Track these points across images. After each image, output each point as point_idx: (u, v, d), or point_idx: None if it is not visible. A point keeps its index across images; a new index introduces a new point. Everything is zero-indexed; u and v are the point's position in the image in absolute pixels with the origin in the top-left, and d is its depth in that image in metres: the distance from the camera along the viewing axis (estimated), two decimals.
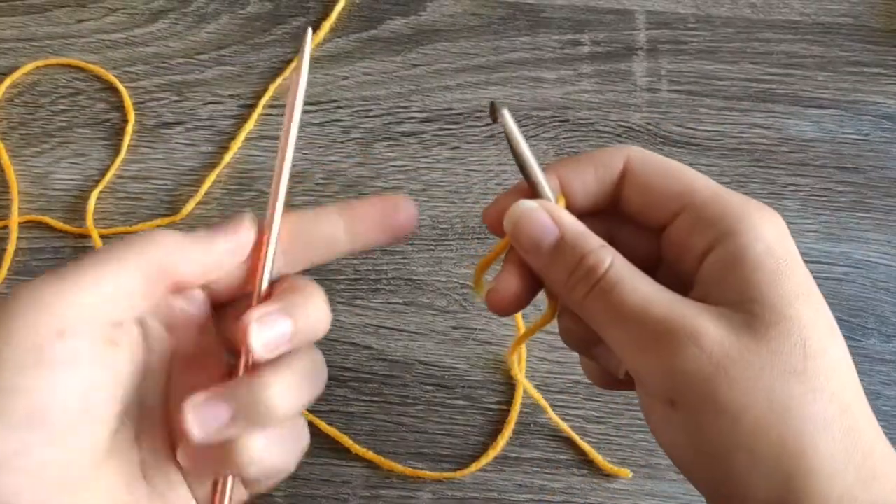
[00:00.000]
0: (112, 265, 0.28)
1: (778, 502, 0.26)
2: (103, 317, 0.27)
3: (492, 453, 0.44)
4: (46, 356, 0.26)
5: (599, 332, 0.30)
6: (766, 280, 0.28)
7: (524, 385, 0.45)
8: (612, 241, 0.32)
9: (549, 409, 0.45)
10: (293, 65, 0.33)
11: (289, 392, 0.28)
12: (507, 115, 0.30)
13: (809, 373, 0.27)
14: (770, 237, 0.28)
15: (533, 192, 0.31)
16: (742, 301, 0.28)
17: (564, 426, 0.45)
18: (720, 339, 0.27)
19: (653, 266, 0.32)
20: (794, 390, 0.27)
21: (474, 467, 0.44)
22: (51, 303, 0.26)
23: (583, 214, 0.32)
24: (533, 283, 0.32)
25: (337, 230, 0.32)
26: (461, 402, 0.46)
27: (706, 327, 0.27)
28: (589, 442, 0.45)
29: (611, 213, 0.33)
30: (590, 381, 0.35)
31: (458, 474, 0.44)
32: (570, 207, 0.32)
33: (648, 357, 0.28)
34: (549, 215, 0.30)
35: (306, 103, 0.52)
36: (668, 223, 0.31)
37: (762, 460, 0.26)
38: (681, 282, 0.30)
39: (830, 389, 0.27)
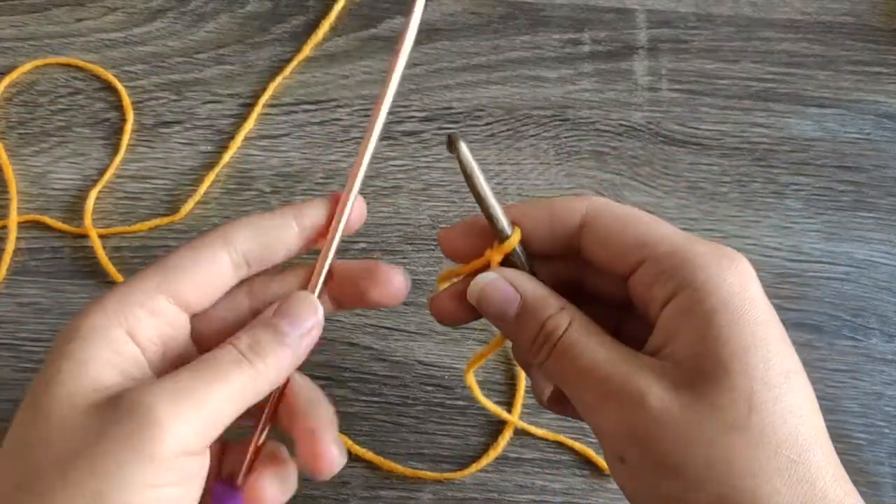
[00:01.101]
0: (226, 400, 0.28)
1: None
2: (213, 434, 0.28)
3: (492, 454, 0.44)
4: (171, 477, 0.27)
5: (563, 390, 0.31)
6: (716, 334, 0.28)
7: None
8: (581, 285, 0.34)
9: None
10: (401, 39, 0.34)
11: None
12: (464, 147, 0.30)
13: (753, 427, 0.27)
14: (727, 287, 0.29)
15: (490, 225, 0.32)
16: (691, 356, 0.28)
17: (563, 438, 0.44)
18: (662, 397, 0.28)
19: (624, 308, 0.33)
20: (735, 445, 0.27)
21: (475, 468, 0.44)
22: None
23: (542, 256, 0.33)
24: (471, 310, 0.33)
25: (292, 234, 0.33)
26: (461, 403, 0.45)
27: (649, 386, 0.28)
28: (589, 444, 0.45)
29: (577, 259, 0.33)
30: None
31: (458, 475, 0.44)
32: (526, 243, 0.33)
33: (599, 415, 0.29)
34: (509, 284, 0.31)
35: (306, 102, 0.52)
36: (630, 273, 0.31)
37: None
38: (648, 325, 0.31)
39: (777, 440, 0.27)
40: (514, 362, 0.46)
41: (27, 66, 0.52)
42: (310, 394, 0.33)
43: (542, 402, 0.36)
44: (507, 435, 0.44)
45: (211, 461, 0.29)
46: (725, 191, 0.50)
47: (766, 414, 0.27)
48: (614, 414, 0.28)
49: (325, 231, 0.33)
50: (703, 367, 0.28)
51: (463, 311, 0.33)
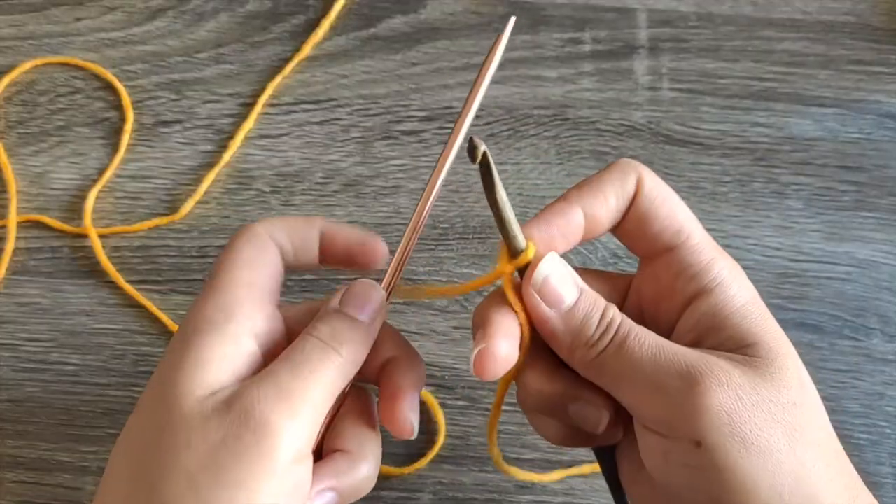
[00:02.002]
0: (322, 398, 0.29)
1: None
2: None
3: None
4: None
5: (611, 389, 0.31)
6: (758, 326, 0.30)
7: None
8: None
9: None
10: (492, 55, 0.32)
11: None
12: (490, 157, 0.29)
13: (807, 404, 0.29)
14: (746, 288, 0.31)
15: (504, 237, 0.31)
16: (741, 346, 0.30)
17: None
18: (737, 379, 0.29)
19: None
20: (799, 421, 0.29)
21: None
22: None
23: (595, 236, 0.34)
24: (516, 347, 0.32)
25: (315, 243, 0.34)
26: (462, 403, 0.45)
27: (723, 369, 0.29)
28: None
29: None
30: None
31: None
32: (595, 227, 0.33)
33: (672, 401, 0.29)
34: (571, 279, 0.31)
35: (305, 102, 0.52)
36: (657, 256, 0.32)
37: (784, 492, 0.28)
38: (648, 317, 0.33)
39: (820, 417, 0.30)
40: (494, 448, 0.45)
41: (26, 66, 0.52)
42: (405, 351, 0.34)
43: (566, 439, 0.35)
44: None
45: None
46: (726, 190, 0.50)
47: (810, 392, 0.30)
48: (698, 394, 0.28)
49: (338, 255, 0.35)
50: (758, 353, 0.29)
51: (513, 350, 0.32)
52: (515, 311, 0.31)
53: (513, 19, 0.33)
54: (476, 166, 0.29)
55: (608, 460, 0.35)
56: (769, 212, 0.50)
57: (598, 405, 0.32)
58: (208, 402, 0.28)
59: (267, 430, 0.27)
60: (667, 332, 0.31)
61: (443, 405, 0.45)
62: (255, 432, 0.27)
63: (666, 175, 0.50)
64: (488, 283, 0.33)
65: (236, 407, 0.27)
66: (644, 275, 0.33)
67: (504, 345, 0.30)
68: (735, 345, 0.30)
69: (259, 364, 0.30)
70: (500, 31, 0.32)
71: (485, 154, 0.28)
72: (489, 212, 0.33)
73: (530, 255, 0.31)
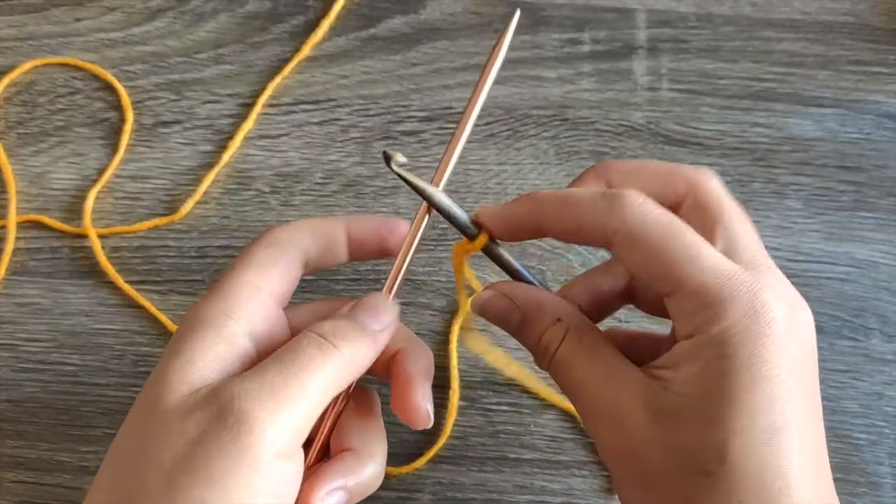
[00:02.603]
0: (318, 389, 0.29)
1: None
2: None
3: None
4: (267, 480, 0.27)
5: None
6: (711, 379, 0.27)
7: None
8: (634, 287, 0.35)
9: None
10: (498, 44, 0.32)
11: None
12: (399, 166, 0.31)
13: (723, 476, 0.27)
14: (736, 340, 0.27)
15: (457, 228, 0.33)
16: (682, 393, 0.28)
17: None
18: (642, 425, 0.28)
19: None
20: (700, 486, 0.27)
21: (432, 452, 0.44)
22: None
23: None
24: None
25: (343, 241, 0.35)
26: (462, 403, 0.45)
27: (630, 411, 0.28)
28: (589, 443, 0.44)
29: None
30: None
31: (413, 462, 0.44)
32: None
33: (592, 430, 0.30)
34: (506, 298, 0.32)
35: (305, 102, 0.52)
36: (664, 296, 0.29)
37: None
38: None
39: (744, 491, 0.27)
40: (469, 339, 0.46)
41: (26, 66, 0.52)
42: (413, 342, 0.34)
43: None
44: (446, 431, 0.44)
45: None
46: None
47: (736, 468, 0.27)
48: (602, 430, 0.29)
49: (372, 246, 0.35)
50: (689, 407, 0.27)
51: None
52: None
53: (518, 11, 0.33)
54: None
55: None
56: (768, 212, 0.50)
57: None
58: (190, 398, 0.27)
59: (246, 425, 0.26)
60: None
61: (442, 405, 0.45)
62: (232, 427, 0.26)
63: None
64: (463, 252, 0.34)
65: (215, 402, 0.27)
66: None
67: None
68: (679, 389, 0.28)
69: (252, 362, 0.30)
70: (507, 22, 0.33)
71: (393, 162, 0.30)
72: None
73: (482, 242, 0.33)
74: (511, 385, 0.46)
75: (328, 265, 0.35)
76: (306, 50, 0.52)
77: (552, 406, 0.45)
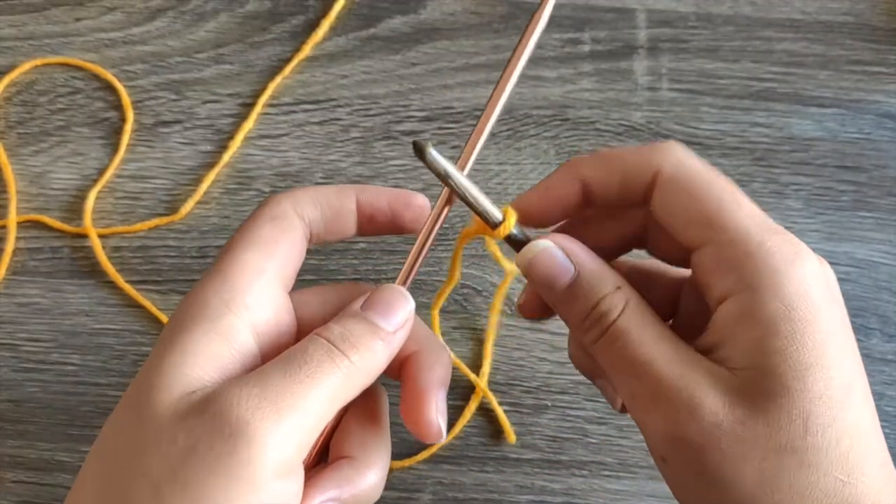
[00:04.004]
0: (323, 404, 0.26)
1: None
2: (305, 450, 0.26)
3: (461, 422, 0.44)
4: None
5: (610, 376, 0.29)
6: (777, 347, 0.26)
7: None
8: (647, 234, 0.32)
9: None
10: (526, 35, 0.30)
11: None
12: (435, 154, 0.28)
13: (809, 448, 0.26)
14: (791, 292, 0.27)
15: (479, 217, 0.30)
16: (750, 367, 0.27)
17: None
18: (717, 410, 0.26)
19: (687, 263, 0.31)
20: (787, 466, 0.26)
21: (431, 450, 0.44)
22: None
23: (611, 210, 0.31)
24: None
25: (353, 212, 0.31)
26: (461, 403, 0.45)
27: (703, 397, 0.26)
28: (590, 443, 0.44)
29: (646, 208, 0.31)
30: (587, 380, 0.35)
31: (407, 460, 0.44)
32: (596, 196, 0.31)
33: (646, 413, 0.28)
34: (564, 254, 0.29)
35: (305, 102, 0.52)
36: (692, 249, 0.29)
37: None
38: (702, 307, 0.30)
39: (828, 461, 0.26)
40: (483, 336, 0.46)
41: (26, 66, 0.52)
42: (429, 345, 0.31)
43: (617, 409, 0.34)
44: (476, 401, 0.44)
45: None
46: None
47: (821, 436, 0.26)
48: (664, 416, 0.27)
49: (383, 220, 0.32)
50: (762, 382, 0.26)
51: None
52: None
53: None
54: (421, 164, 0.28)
55: None
56: (769, 212, 0.49)
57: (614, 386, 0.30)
58: (183, 401, 0.25)
59: (244, 437, 0.24)
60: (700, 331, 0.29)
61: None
62: (229, 439, 0.24)
63: None
64: (469, 237, 0.32)
65: (211, 408, 0.24)
66: (692, 266, 0.30)
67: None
68: (744, 363, 0.27)
69: (256, 364, 0.27)
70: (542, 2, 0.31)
71: (428, 153, 0.27)
72: None
73: (511, 225, 0.30)
74: (512, 385, 0.46)
75: (334, 239, 0.31)
76: (306, 50, 0.52)
77: (549, 408, 0.45)
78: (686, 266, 0.31)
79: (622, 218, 0.32)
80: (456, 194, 0.29)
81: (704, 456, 0.26)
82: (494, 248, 0.34)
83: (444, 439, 0.31)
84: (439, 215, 0.30)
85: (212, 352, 0.26)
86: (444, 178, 0.29)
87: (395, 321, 0.28)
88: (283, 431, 0.24)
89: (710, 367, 0.27)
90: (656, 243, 0.32)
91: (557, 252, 0.29)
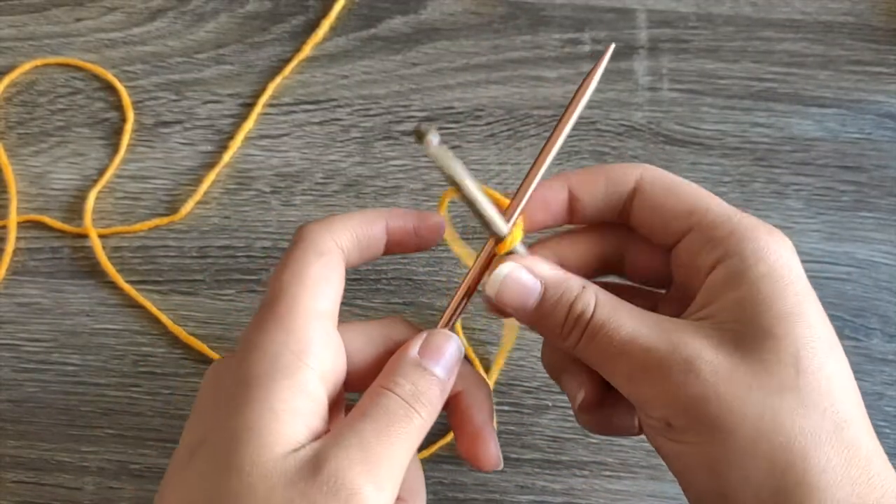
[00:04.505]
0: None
1: None
2: None
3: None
4: None
5: (599, 371, 0.31)
6: (761, 300, 0.28)
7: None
8: (622, 257, 0.34)
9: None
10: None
11: None
12: (436, 143, 0.27)
13: (802, 389, 0.27)
14: (773, 259, 0.29)
15: (484, 226, 0.31)
16: (736, 320, 0.29)
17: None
18: (711, 360, 0.28)
19: (664, 282, 0.34)
20: (784, 405, 0.27)
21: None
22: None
23: (593, 223, 0.33)
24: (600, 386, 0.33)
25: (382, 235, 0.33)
26: None
27: (697, 351, 0.28)
28: (590, 443, 0.44)
29: (623, 229, 0.34)
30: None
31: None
32: (580, 209, 0.33)
33: (642, 385, 0.29)
34: (528, 272, 0.31)
35: (306, 102, 0.52)
36: (676, 242, 0.32)
37: (754, 475, 0.27)
38: (688, 300, 0.31)
39: (824, 405, 0.27)
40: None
41: (26, 66, 0.52)
42: (474, 381, 0.33)
43: (579, 418, 0.35)
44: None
45: None
46: (726, 191, 0.50)
47: (812, 378, 0.27)
48: (661, 382, 0.28)
49: (408, 242, 0.34)
50: (748, 331, 0.28)
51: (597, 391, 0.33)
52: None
53: (613, 45, 0.34)
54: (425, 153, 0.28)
55: None
56: (769, 212, 0.50)
57: (579, 381, 0.33)
58: (289, 461, 0.26)
59: (356, 499, 0.25)
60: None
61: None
62: (345, 502, 0.25)
63: None
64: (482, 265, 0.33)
65: (325, 472, 0.26)
66: (674, 263, 0.32)
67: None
68: (731, 317, 0.29)
69: (325, 411, 0.29)
70: (601, 57, 0.34)
71: (429, 139, 0.26)
72: None
73: (517, 239, 0.32)
74: (512, 385, 0.46)
75: (364, 263, 0.33)
76: (307, 50, 0.52)
77: (550, 408, 0.45)
78: (660, 286, 0.33)
79: (602, 236, 0.34)
80: (464, 199, 0.30)
81: (707, 407, 0.27)
82: (459, 248, 0.36)
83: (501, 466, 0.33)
84: (483, 268, 0.33)
85: (296, 407, 0.27)
86: (452, 179, 0.29)
87: (449, 368, 0.30)
88: (385, 490, 0.27)
89: (696, 327, 0.29)
90: (634, 261, 0.34)
91: (521, 272, 0.31)
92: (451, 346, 0.31)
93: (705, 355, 0.28)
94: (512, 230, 0.32)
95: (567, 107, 0.33)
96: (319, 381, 0.28)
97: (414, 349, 0.30)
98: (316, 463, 0.26)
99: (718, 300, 0.29)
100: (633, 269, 0.34)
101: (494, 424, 0.34)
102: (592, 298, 0.30)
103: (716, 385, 0.27)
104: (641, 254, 0.34)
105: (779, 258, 0.29)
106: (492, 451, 0.32)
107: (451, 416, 0.33)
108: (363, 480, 0.26)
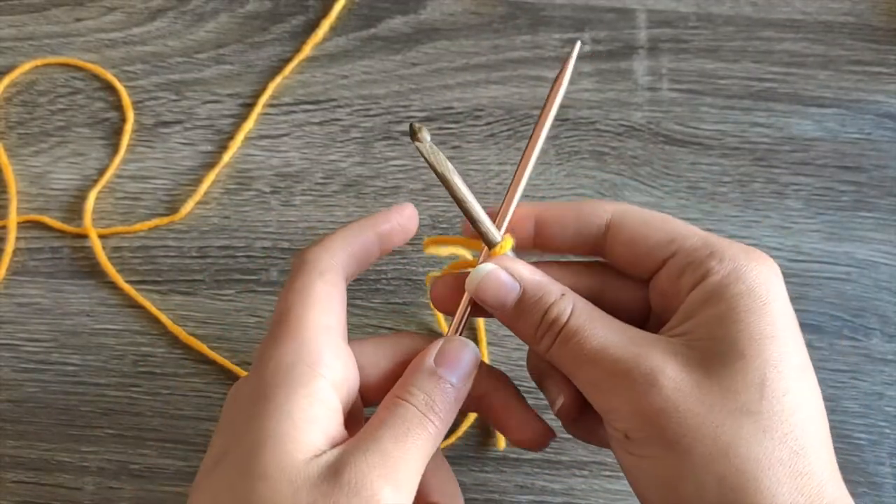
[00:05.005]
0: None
1: None
2: None
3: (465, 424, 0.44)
4: None
5: (570, 377, 0.32)
6: (736, 318, 0.29)
7: None
8: (601, 293, 0.34)
9: None
10: (561, 77, 0.36)
11: None
12: (428, 141, 0.29)
13: (764, 413, 0.27)
14: (752, 277, 0.30)
15: (476, 230, 0.32)
16: (708, 337, 0.29)
17: None
18: (674, 377, 0.28)
19: (642, 317, 0.34)
20: (743, 429, 0.27)
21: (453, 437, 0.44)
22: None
23: (563, 253, 0.35)
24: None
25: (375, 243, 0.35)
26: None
27: (661, 366, 0.28)
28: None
29: (600, 267, 0.34)
30: None
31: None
32: (549, 242, 0.34)
33: (608, 395, 0.30)
34: (508, 273, 0.32)
35: (306, 102, 0.52)
36: (655, 271, 0.32)
37: (706, 494, 0.27)
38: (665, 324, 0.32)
39: (783, 430, 0.27)
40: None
41: (26, 66, 0.52)
42: (498, 384, 0.35)
43: (563, 424, 0.36)
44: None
45: None
46: (726, 191, 0.50)
47: (776, 402, 0.28)
48: (625, 392, 0.29)
49: (398, 240, 0.35)
50: (719, 349, 0.28)
51: (460, 300, 0.34)
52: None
53: (579, 43, 0.35)
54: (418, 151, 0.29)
55: None
56: (769, 212, 0.50)
57: (559, 387, 0.33)
58: (311, 466, 0.27)
59: (375, 501, 0.27)
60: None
61: None
62: (366, 502, 0.26)
63: (665, 175, 0.50)
64: (467, 267, 0.34)
65: (346, 476, 0.27)
66: (653, 293, 0.33)
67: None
68: (704, 334, 0.29)
69: (341, 419, 0.30)
70: (569, 53, 0.35)
71: (421, 137, 0.28)
72: None
73: (505, 248, 0.33)
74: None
75: (362, 272, 0.35)
76: (307, 50, 0.53)
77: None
78: (638, 323, 0.33)
79: (579, 273, 0.34)
80: (456, 201, 0.31)
81: (665, 421, 0.28)
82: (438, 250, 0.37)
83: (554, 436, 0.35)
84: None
85: (314, 415, 0.28)
86: (443, 178, 0.30)
87: (464, 375, 0.31)
88: (402, 492, 0.28)
89: (666, 342, 0.29)
90: (613, 298, 0.34)
91: (501, 273, 0.32)
92: (466, 354, 0.32)
93: (669, 370, 0.28)
94: (503, 236, 0.33)
95: (542, 108, 0.35)
96: (333, 389, 0.30)
97: (430, 358, 0.31)
98: (337, 468, 0.27)
99: (694, 317, 0.30)
100: (612, 305, 0.34)
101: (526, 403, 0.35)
102: (569, 306, 0.31)
103: (676, 401, 0.28)
104: (620, 290, 0.34)
105: (757, 276, 0.30)
106: (543, 429, 0.34)
107: (489, 418, 0.35)
108: (382, 483, 0.27)
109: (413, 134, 0.29)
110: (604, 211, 0.33)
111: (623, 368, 0.29)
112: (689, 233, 0.32)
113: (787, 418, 0.27)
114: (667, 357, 0.29)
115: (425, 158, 0.30)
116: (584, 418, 0.34)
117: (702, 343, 0.29)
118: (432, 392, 0.30)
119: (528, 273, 0.32)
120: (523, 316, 0.32)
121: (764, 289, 0.29)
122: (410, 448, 0.28)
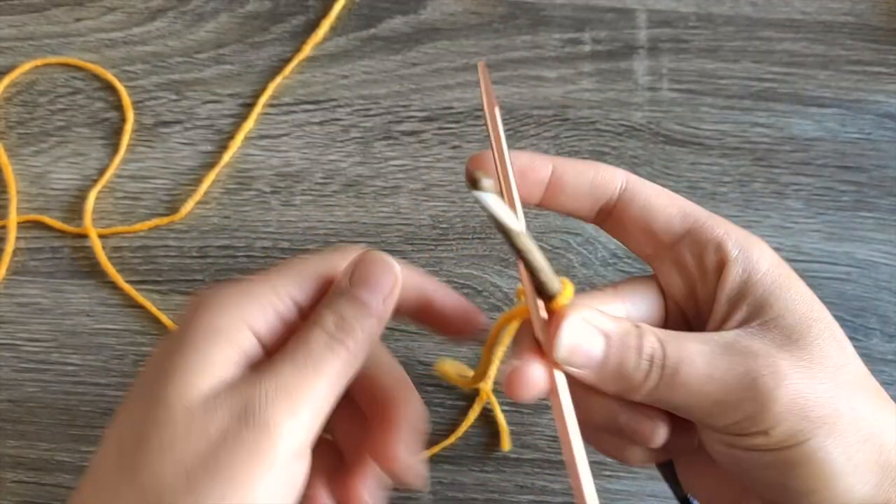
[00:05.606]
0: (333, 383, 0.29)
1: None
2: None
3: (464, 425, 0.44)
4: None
5: (677, 409, 0.29)
6: (784, 293, 0.30)
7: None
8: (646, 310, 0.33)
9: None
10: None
11: None
12: (491, 195, 0.24)
13: (850, 359, 0.30)
14: (768, 253, 0.31)
15: (534, 281, 0.28)
16: (773, 318, 0.29)
17: None
18: (788, 366, 0.28)
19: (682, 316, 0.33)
20: (849, 379, 0.29)
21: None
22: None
23: (565, 212, 0.33)
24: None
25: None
26: (462, 403, 0.45)
27: (774, 360, 0.28)
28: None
29: (624, 286, 0.33)
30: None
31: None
32: (564, 200, 0.32)
33: (730, 412, 0.28)
34: (594, 328, 0.29)
35: (306, 102, 0.52)
36: (665, 246, 0.31)
37: (860, 458, 0.28)
38: (690, 311, 0.32)
39: (863, 371, 0.30)
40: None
41: (26, 66, 0.52)
42: (394, 384, 0.32)
43: (634, 457, 0.33)
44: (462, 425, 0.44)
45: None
46: (726, 191, 0.50)
47: (848, 350, 0.30)
48: (753, 400, 0.28)
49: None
50: (791, 324, 0.29)
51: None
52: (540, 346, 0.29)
53: (481, 63, 0.33)
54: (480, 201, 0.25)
55: (667, 466, 0.34)
56: (769, 212, 0.50)
57: (652, 417, 0.31)
58: (211, 397, 0.28)
59: (267, 429, 0.27)
60: (709, 313, 0.31)
61: (441, 405, 0.45)
62: (254, 430, 0.27)
63: (665, 175, 0.50)
64: (510, 321, 0.31)
65: (238, 404, 0.27)
66: (667, 271, 0.32)
67: (536, 369, 0.29)
68: (767, 315, 0.29)
69: (261, 355, 0.30)
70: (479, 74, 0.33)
71: (482, 187, 0.24)
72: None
73: (567, 297, 0.28)
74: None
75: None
76: (307, 50, 0.53)
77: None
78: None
79: (623, 296, 0.33)
80: (518, 254, 0.27)
81: (800, 405, 0.28)
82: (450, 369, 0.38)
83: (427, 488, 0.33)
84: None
85: (226, 358, 0.29)
86: (506, 232, 0.26)
87: (383, 292, 0.30)
88: (298, 420, 0.27)
89: (751, 336, 0.29)
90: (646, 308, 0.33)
91: (590, 330, 0.29)
92: (383, 268, 0.30)
93: (781, 362, 0.28)
94: (561, 281, 0.29)
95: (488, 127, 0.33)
96: (248, 330, 0.29)
97: (345, 277, 0.30)
98: (233, 396, 0.27)
99: (742, 302, 0.30)
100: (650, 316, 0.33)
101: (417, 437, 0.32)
102: (652, 336, 0.29)
103: (804, 383, 0.28)
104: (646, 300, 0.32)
105: (770, 252, 0.31)
106: (404, 459, 0.31)
107: (363, 404, 0.33)
108: (275, 411, 0.27)
109: (474, 182, 0.25)
110: (618, 177, 0.32)
111: (745, 378, 0.28)
112: (699, 210, 0.32)
113: (860, 382, 0.30)
114: (768, 349, 0.29)
115: (485, 209, 0.26)
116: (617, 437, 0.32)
117: (772, 323, 0.29)
118: (345, 312, 0.29)
119: (607, 319, 0.29)
120: (613, 364, 0.29)
121: (780, 261, 0.31)
122: (312, 375, 0.28)
